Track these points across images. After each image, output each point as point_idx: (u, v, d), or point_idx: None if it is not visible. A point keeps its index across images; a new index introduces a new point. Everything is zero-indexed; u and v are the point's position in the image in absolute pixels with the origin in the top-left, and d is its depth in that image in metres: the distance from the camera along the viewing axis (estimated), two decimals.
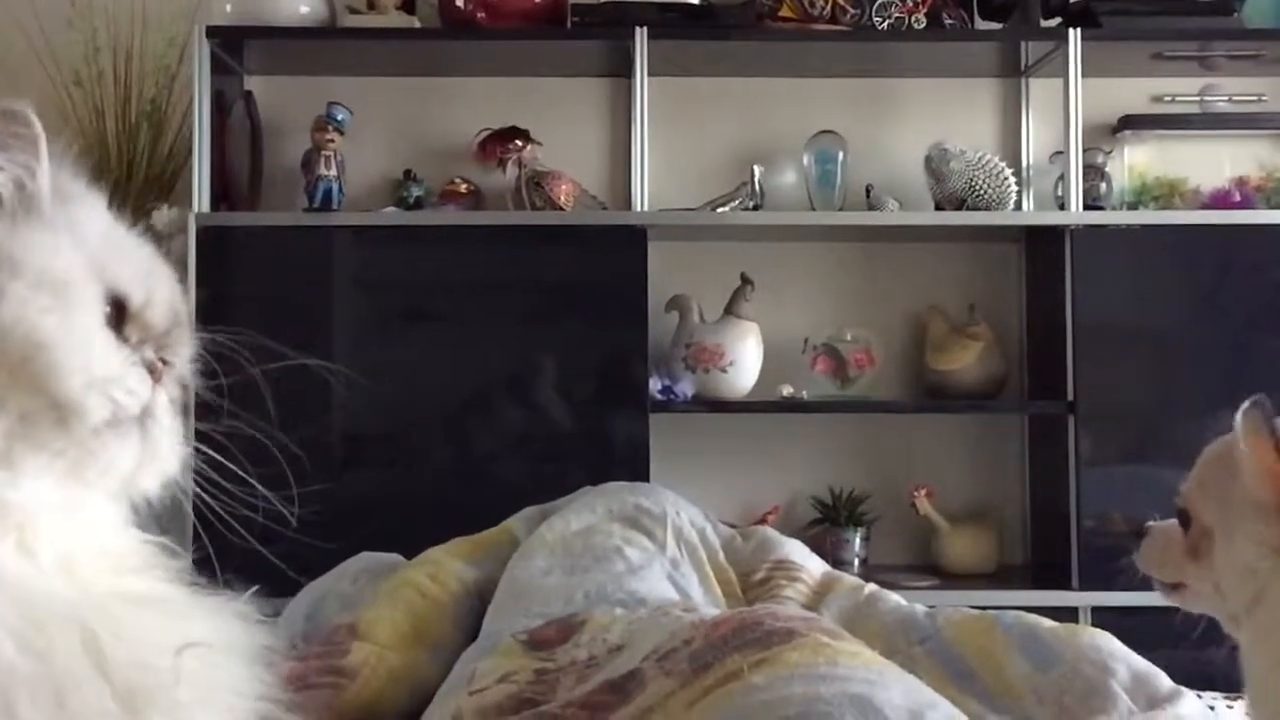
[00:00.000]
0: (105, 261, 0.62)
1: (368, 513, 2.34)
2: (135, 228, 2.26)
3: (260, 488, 0.68)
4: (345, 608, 1.30)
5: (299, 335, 2.56)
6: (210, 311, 2.34)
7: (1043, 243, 2.55)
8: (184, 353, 0.66)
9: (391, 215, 2.51)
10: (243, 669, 0.62)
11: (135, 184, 2.50)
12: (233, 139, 2.52)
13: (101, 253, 0.62)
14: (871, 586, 1.35)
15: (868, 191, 2.58)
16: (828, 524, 2.56)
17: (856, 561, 2.50)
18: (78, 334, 0.58)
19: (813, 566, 1.40)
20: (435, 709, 1.00)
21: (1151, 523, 0.91)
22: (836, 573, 1.41)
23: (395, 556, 1.44)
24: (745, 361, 2.52)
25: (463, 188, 2.62)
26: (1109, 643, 1.13)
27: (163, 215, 2.42)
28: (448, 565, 1.30)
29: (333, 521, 2.38)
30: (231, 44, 2.49)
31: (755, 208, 2.56)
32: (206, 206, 2.40)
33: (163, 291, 0.65)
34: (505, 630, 1.11)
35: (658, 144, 2.54)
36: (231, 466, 0.66)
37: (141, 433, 0.61)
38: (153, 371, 0.62)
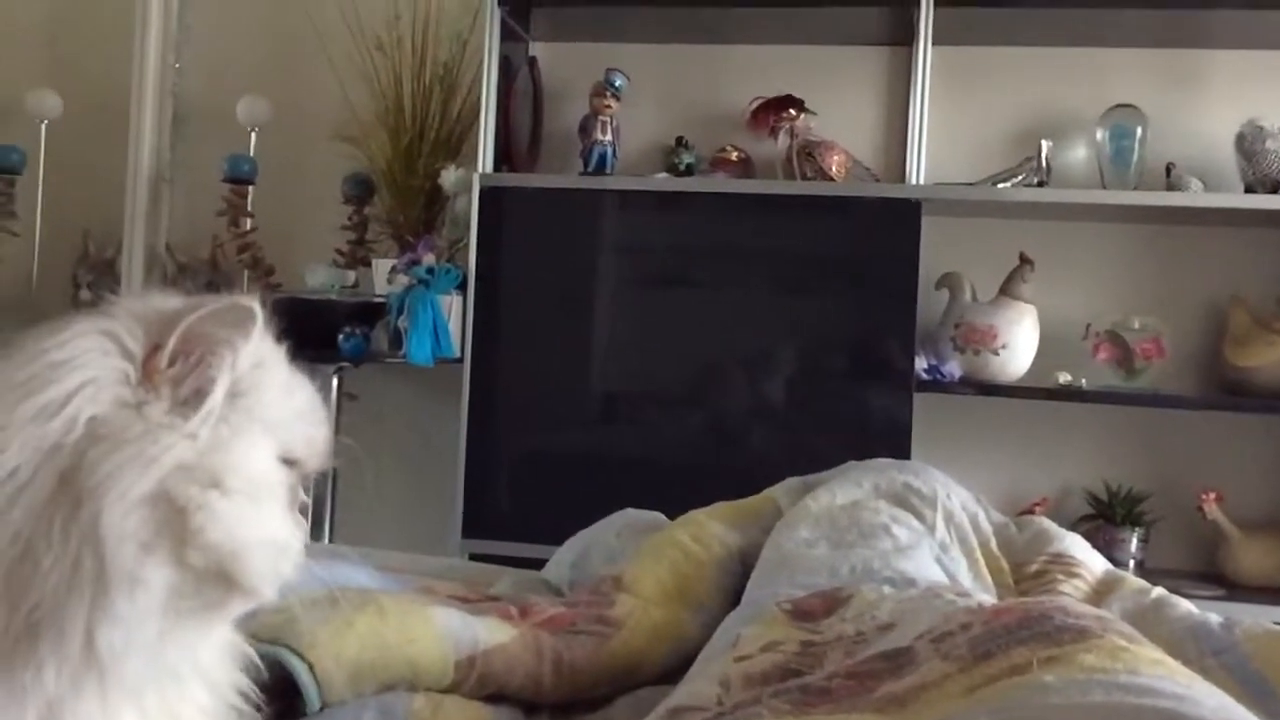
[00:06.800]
0: (286, 433, 0.66)
1: (625, 471, 2.39)
2: (422, 189, 2.31)
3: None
4: (609, 560, 1.32)
5: (566, 294, 2.64)
6: (486, 268, 2.45)
7: None
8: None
9: (662, 181, 2.53)
10: None
11: (426, 145, 2.63)
12: (516, 103, 2.61)
13: (283, 424, 0.66)
14: (1159, 590, 1.24)
15: (1168, 170, 2.40)
16: (1101, 521, 2.42)
17: (1132, 563, 2.35)
18: (269, 532, 0.63)
19: (1094, 564, 1.31)
20: (699, 670, 0.99)
21: None
22: (1119, 572, 1.32)
23: (658, 515, 1.45)
24: (1019, 344, 2.41)
25: (733, 155, 2.61)
26: None
27: (449, 175, 2.55)
28: (710, 528, 1.29)
29: (591, 476, 2.43)
30: (519, 10, 2.58)
31: (1040, 184, 2.42)
32: (490, 168, 2.50)
33: (321, 440, 0.69)
34: (769, 598, 1.10)
35: (936, 115, 2.45)
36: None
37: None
38: (304, 512, 0.67)
